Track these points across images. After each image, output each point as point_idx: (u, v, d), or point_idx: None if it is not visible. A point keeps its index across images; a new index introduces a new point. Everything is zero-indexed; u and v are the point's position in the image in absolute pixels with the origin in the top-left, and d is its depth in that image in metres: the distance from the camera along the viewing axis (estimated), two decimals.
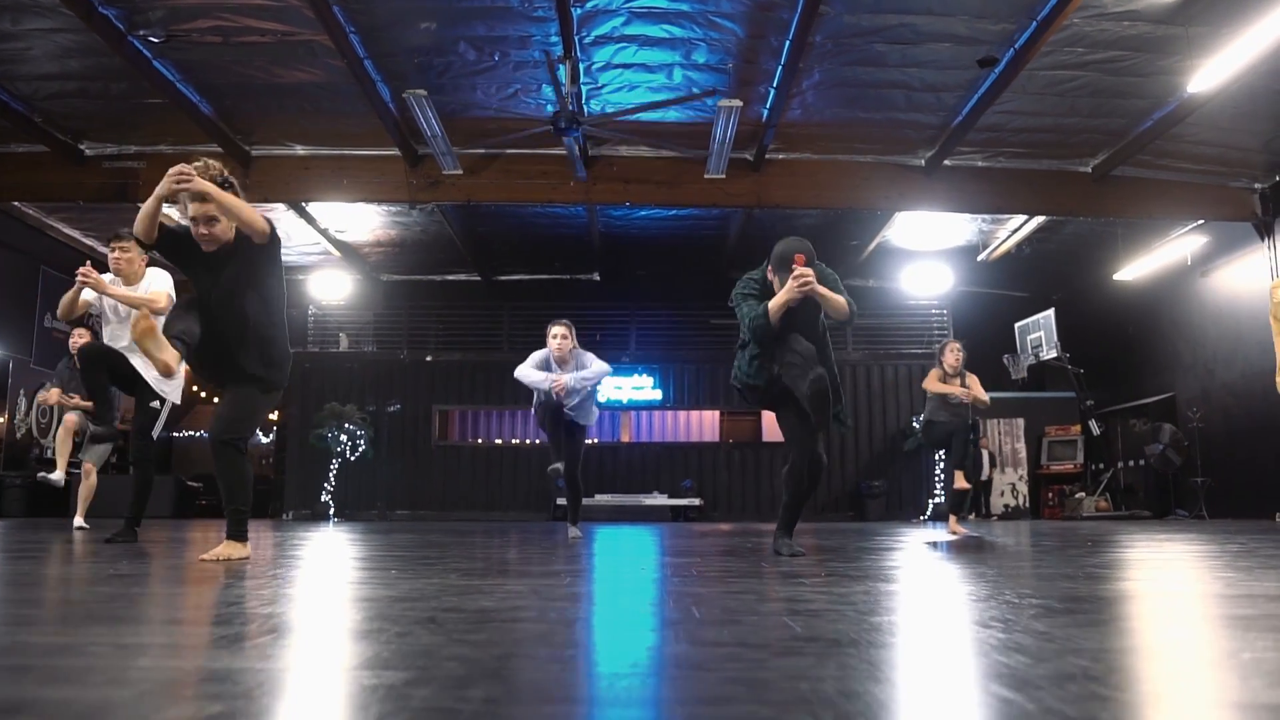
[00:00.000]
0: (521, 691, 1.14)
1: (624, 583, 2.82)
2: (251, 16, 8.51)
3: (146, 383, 5.26)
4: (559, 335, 6.71)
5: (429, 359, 14.51)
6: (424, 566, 3.24)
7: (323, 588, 2.57)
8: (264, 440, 19.39)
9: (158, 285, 5.41)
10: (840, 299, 4.12)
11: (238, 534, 3.57)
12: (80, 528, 7.40)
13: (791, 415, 4.25)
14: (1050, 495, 14.84)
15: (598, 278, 15.90)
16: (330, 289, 14.74)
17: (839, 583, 2.63)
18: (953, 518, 7.47)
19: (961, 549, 4.86)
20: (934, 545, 5.33)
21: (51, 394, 8.01)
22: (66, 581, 2.80)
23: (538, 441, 15.40)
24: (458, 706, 1.02)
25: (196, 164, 3.68)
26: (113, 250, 5.51)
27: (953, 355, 7.80)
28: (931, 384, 7.74)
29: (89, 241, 14.22)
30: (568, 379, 6.55)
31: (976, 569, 3.35)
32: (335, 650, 1.44)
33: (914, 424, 13.88)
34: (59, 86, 9.80)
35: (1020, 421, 15.06)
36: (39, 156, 11.06)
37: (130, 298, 5.09)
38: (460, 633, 1.56)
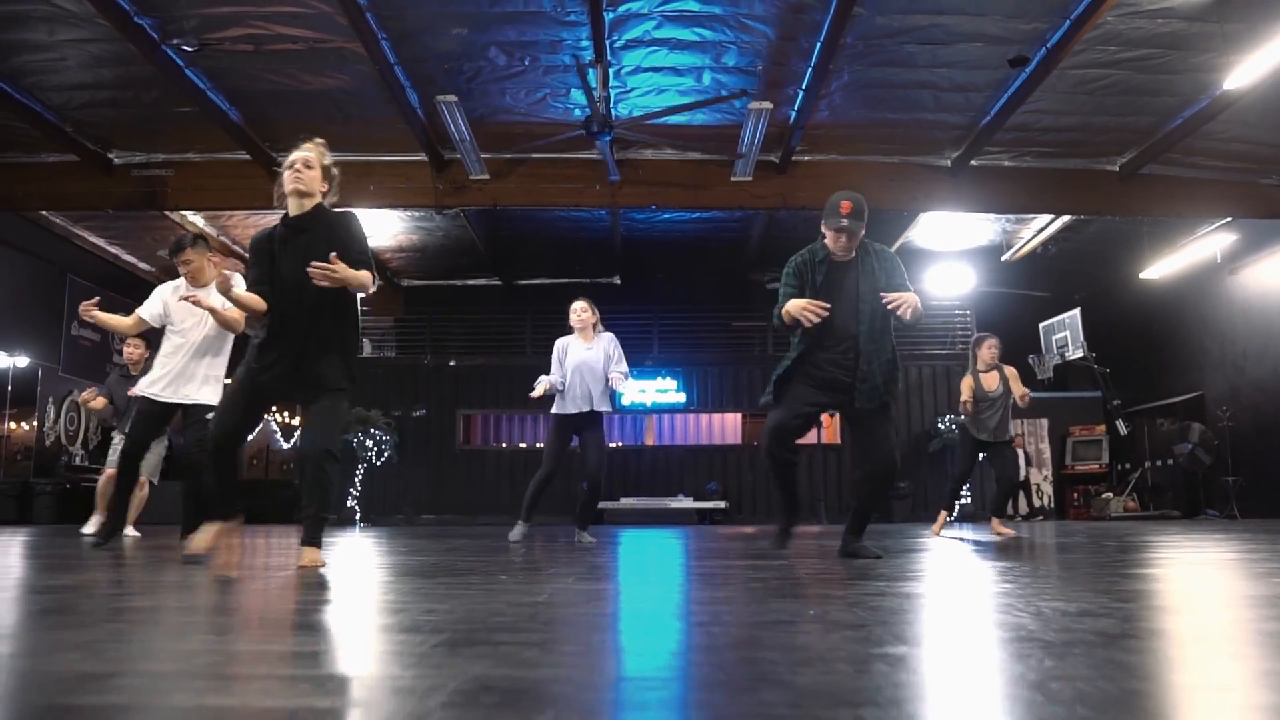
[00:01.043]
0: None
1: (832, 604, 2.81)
2: (284, 24, 8.55)
3: (196, 406, 5.36)
4: (580, 309, 6.70)
5: (452, 364, 14.53)
6: (529, 571, 3.24)
7: (470, 592, 2.57)
8: (285, 446, 19.45)
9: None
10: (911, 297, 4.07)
11: (318, 540, 3.57)
12: (131, 535, 7.46)
13: (849, 424, 4.23)
14: (1075, 495, 14.79)
15: (618, 281, 15.90)
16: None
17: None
18: (996, 520, 7.46)
19: (1023, 552, 4.84)
20: (978, 546, 5.30)
21: (98, 401, 8.07)
22: (198, 589, 2.81)
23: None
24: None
25: (309, 150, 3.72)
26: (182, 263, 5.50)
27: (989, 351, 7.81)
28: (965, 392, 7.73)
29: (114, 250, 14.29)
30: (551, 380, 6.49)
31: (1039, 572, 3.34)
32: (600, 652, 1.43)
33: (939, 425, 13.86)
34: (91, 96, 9.85)
35: (1044, 422, 15.02)
36: (69, 166, 11.11)
37: (224, 313, 5.07)
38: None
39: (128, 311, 5.59)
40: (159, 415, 5.37)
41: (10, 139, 10.71)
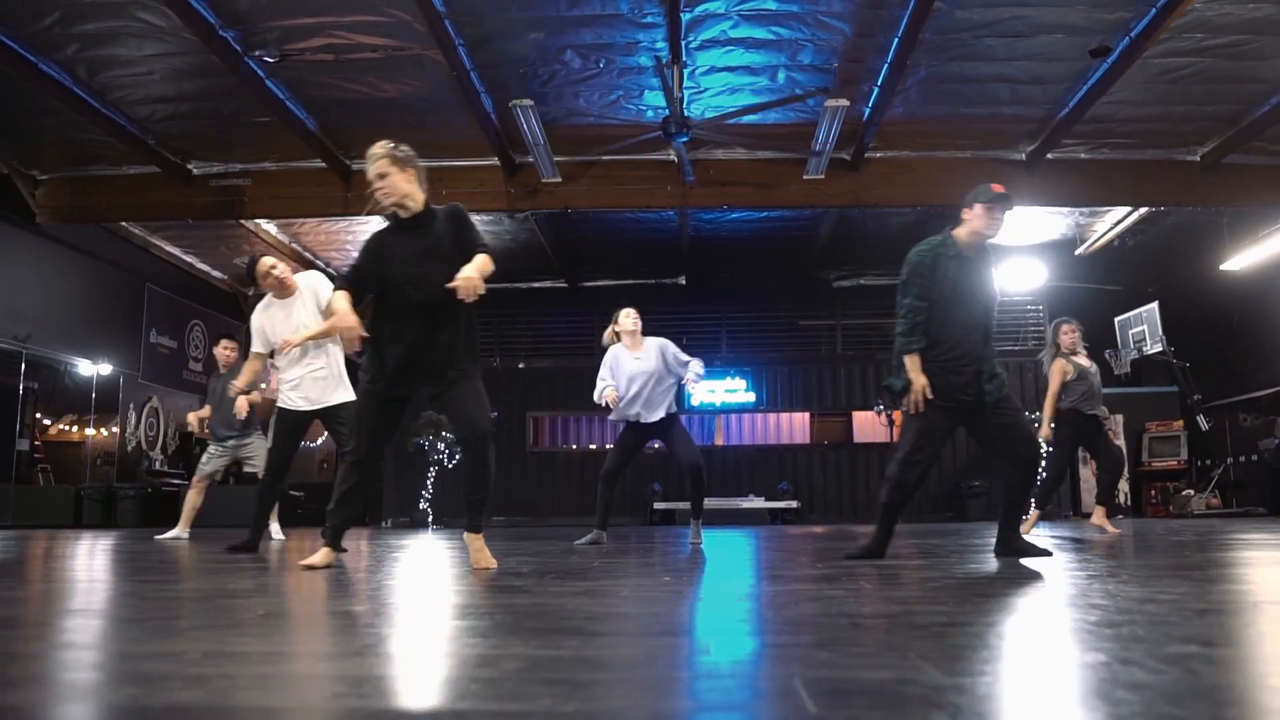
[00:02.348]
0: None
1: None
2: (363, 33, 8.66)
3: (338, 408, 5.50)
4: (633, 317, 6.67)
5: (521, 366, 14.62)
6: (641, 572, 3.25)
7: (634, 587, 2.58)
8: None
9: (324, 294, 5.62)
10: None
11: (480, 525, 3.67)
12: (178, 538, 7.58)
13: (978, 423, 4.15)
14: (1153, 493, 14.49)
15: (683, 281, 15.89)
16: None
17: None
18: (1100, 510, 7.34)
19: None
20: (1082, 545, 5.22)
21: (205, 411, 8.25)
22: (384, 590, 2.85)
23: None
24: None
25: (377, 163, 3.78)
26: (265, 275, 5.65)
27: (1068, 336, 7.68)
28: (1056, 378, 7.61)
29: (189, 259, 14.58)
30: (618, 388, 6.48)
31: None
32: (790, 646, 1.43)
33: None
34: (173, 109, 10.07)
35: (1119, 418, 14.71)
36: (150, 177, 11.36)
37: (321, 330, 5.19)
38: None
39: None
40: (298, 426, 5.52)
41: (96, 153, 10.99)
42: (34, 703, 1.13)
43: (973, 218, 4.15)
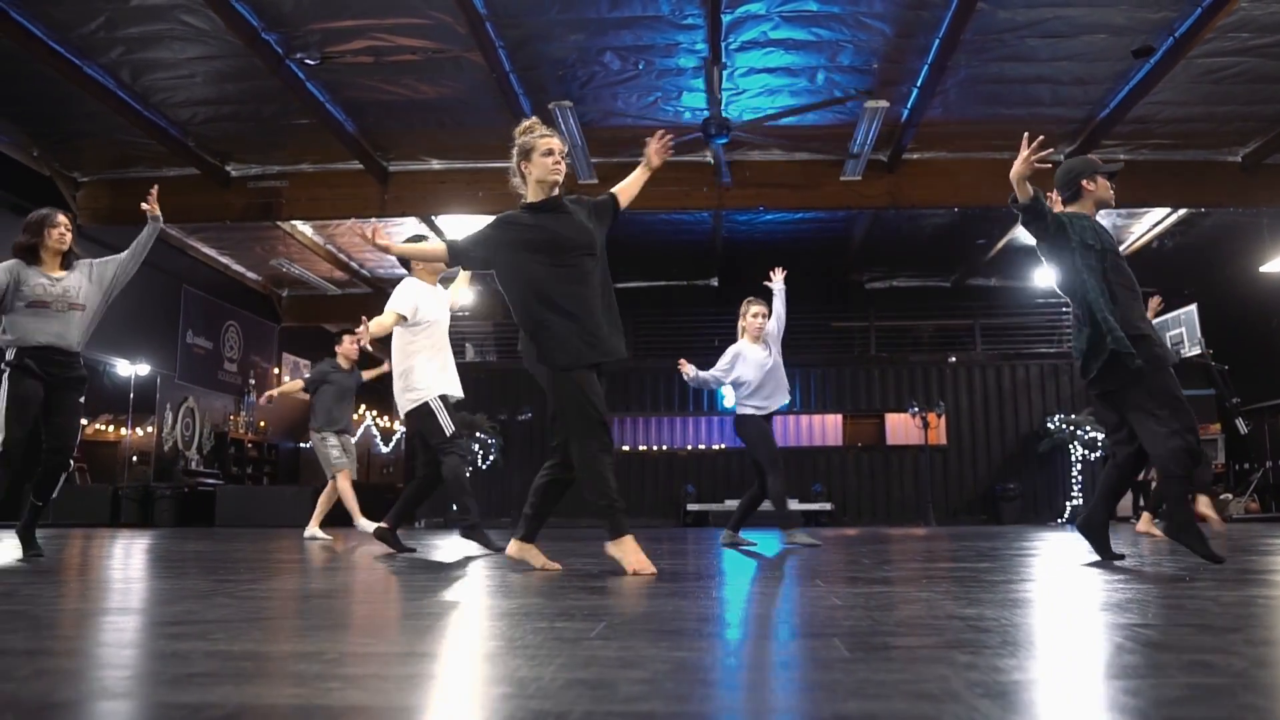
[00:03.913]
0: None
1: None
2: (404, 35, 8.70)
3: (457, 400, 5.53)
4: (761, 315, 6.64)
5: None
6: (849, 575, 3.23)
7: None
8: (384, 450, 19.81)
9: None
10: None
11: (623, 528, 3.49)
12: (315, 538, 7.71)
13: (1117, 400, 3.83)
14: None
15: (715, 283, 15.86)
16: (454, 300, 14.94)
17: None
18: (1146, 515, 7.25)
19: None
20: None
21: (293, 384, 8.54)
22: (536, 592, 2.85)
23: (664, 447, 15.44)
24: None
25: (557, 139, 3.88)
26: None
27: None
28: None
29: (225, 260, 14.69)
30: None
31: None
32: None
33: (1048, 425, 13.55)
34: (214, 111, 10.14)
35: None
36: (189, 179, 11.45)
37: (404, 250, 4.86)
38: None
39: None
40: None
41: (136, 155, 11.09)
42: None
43: (1097, 188, 4.07)
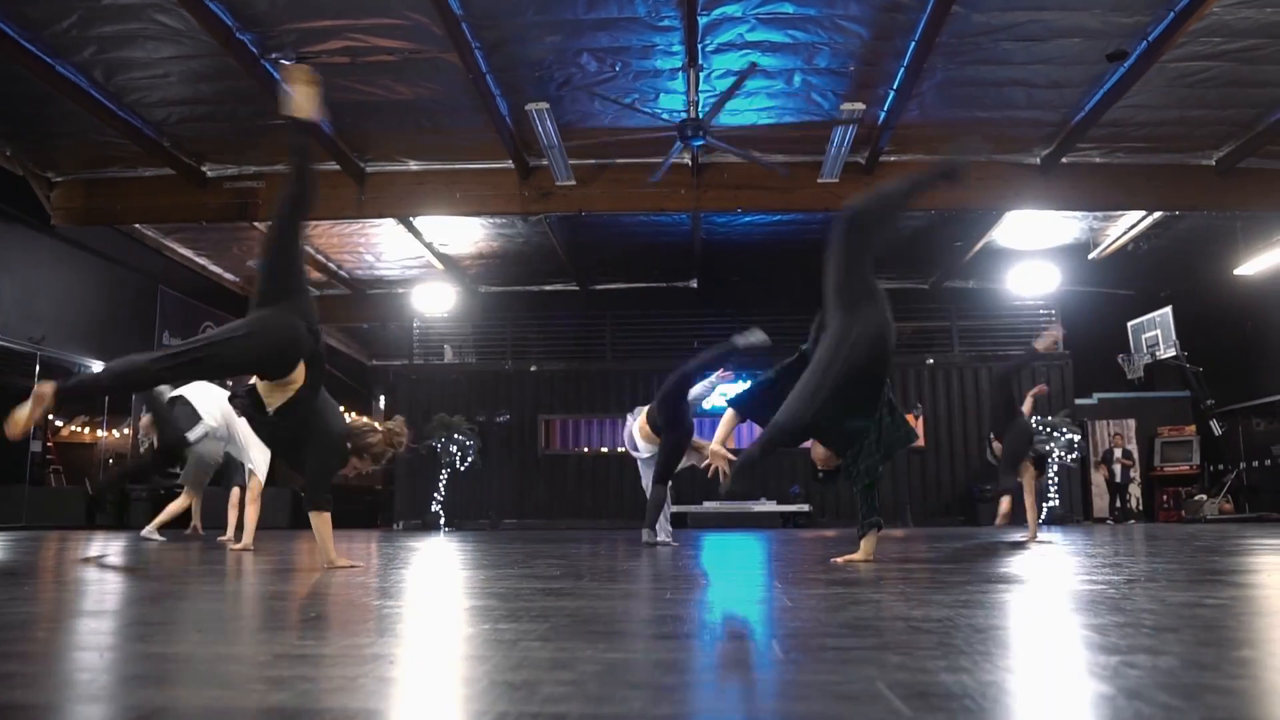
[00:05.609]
0: None
1: None
2: (381, 36, 8.67)
3: None
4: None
5: (533, 369, 14.62)
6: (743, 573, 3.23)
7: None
8: None
9: None
10: None
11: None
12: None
13: None
14: (1165, 498, 14.45)
15: (695, 285, 15.88)
16: (433, 302, 14.93)
17: None
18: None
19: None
20: None
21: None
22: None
23: None
24: None
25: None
26: None
27: None
28: None
29: (202, 260, 14.62)
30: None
31: None
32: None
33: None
34: (189, 111, 10.08)
35: (1131, 422, 14.71)
36: (165, 179, 11.39)
37: None
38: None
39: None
40: None
41: (111, 155, 11.01)
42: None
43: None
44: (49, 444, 13.79)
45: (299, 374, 3.65)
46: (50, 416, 13.44)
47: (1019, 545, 6.19)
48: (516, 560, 4.49)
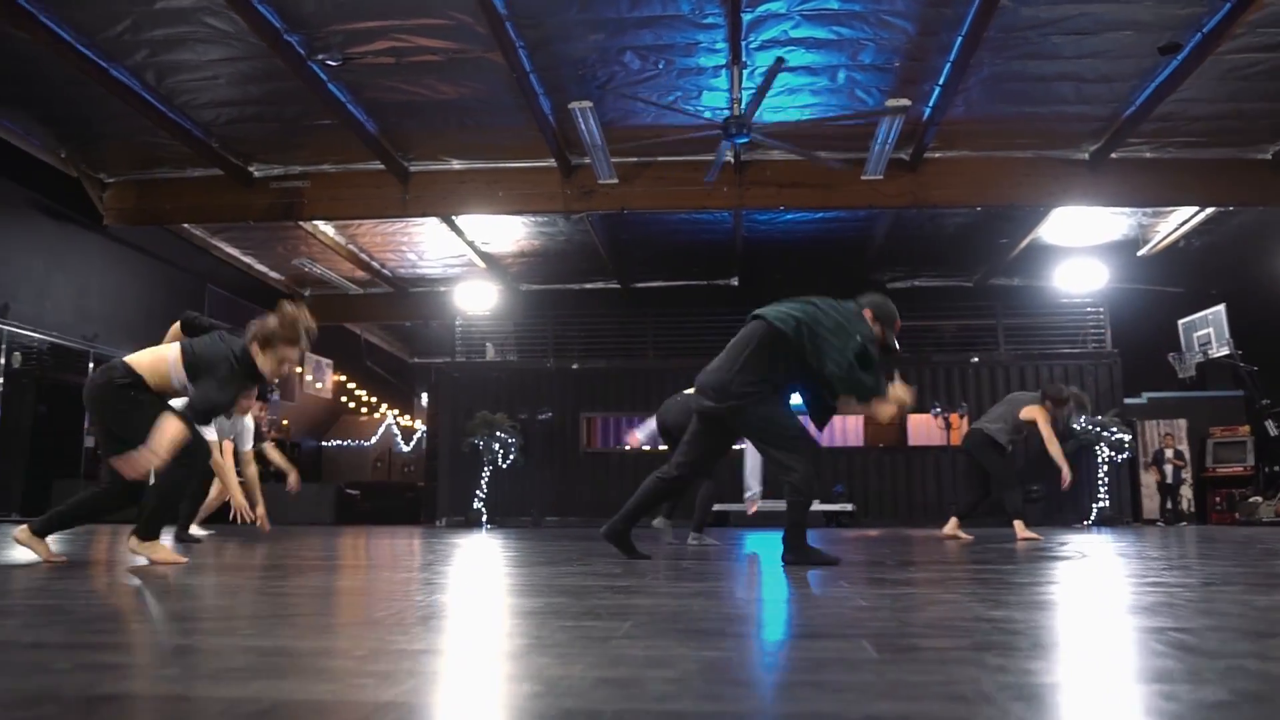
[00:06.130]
0: None
1: None
2: (425, 36, 8.72)
3: None
4: None
5: (575, 367, 14.64)
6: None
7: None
8: (405, 449, 19.90)
9: None
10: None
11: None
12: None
13: None
14: (1218, 499, 14.19)
15: (736, 283, 15.84)
16: (475, 300, 15.00)
17: None
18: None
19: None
20: None
21: None
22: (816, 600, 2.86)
23: None
24: None
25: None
26: None
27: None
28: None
29: (248, 259, 14.79)
30: None
31: None
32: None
33: (1074, 426, 13.43)
34: (237, 112, 10.21)
35: (1182, 423, 14.46)
36: (213, 180, 11.55)
37: None
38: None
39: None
40: None
41: (161, 156, 11.18)
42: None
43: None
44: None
45: None
46: None
47: (1070, 546, 6.11)
48: (571, 557, 4.50)
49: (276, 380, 4.32)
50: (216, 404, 3.83)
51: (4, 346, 12.10)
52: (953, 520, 8.17)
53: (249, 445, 7.58)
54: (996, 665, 1.39)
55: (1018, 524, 7.80)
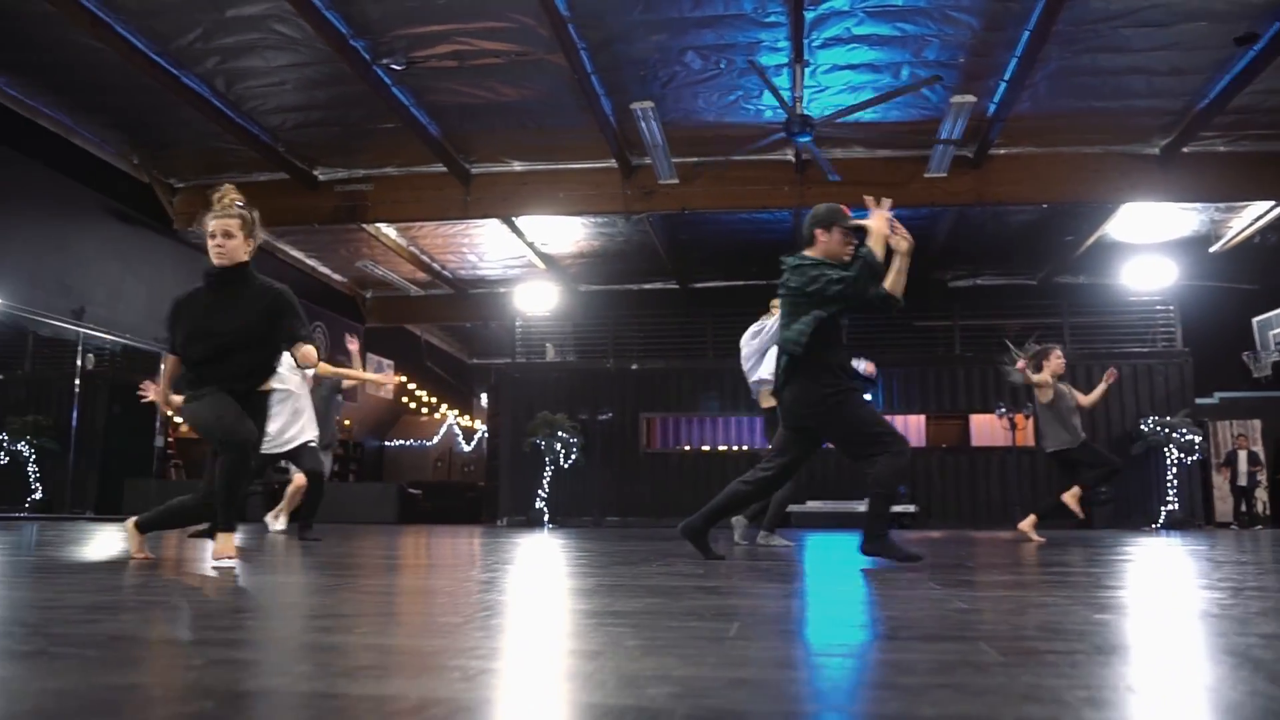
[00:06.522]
0: None
1: None
2: (488, 39, 8.80)
3: None
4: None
5: (634, 367, 14.66)
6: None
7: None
8: (466, 449, 20.09)
9: None
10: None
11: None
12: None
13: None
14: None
15: None
16: (534, 300, 15.09)
17: None
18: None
19: None
20: None
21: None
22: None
23: (745, 447, 15.39)
24: None
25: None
26: None
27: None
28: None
29: (311, 262, 15.03)
30: None
31: None
32: None
33: (1142, 426, 13.17)
34: (303, 117, 10.39)
35: (1256, 423, 14.09)
36: (279, 184, 11.76)
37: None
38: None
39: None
40: None
41: (228, 161, 11.41)
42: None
43: (830, 240, 4.05)
44: (170, 439, 14.33)
45: None
46: (170, 414, 14.03)
47: (1143, 548, 5.98)
48: (647, 557, 4.51)
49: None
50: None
51: (79, 349, 12.44)
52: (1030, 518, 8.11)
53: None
54: (1124, 669, 1.36)
55: (1030, 520, 8.05)
